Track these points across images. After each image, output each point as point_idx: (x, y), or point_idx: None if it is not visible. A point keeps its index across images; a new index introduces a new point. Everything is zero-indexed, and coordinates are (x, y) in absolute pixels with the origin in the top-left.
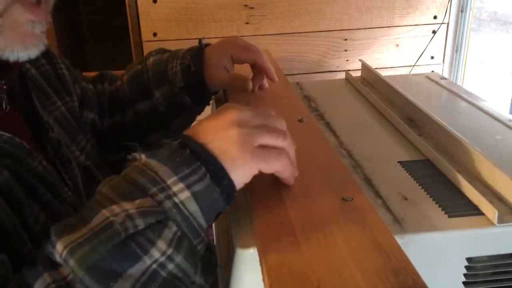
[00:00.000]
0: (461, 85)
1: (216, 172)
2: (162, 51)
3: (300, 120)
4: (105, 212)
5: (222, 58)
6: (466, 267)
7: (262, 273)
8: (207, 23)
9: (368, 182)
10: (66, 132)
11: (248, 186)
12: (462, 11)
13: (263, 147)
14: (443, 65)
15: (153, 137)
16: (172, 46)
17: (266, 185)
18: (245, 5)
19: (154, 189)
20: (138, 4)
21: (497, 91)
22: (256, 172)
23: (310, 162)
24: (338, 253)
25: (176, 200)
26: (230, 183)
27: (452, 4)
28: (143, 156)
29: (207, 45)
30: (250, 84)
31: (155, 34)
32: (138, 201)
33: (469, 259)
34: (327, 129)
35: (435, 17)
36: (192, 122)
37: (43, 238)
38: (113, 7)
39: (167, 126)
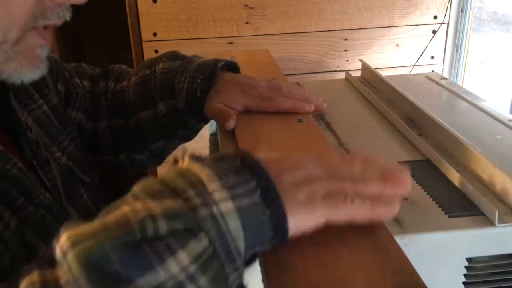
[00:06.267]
0: (461, 85)
1: (270, 192)
2: (174, 57)
3: (300, 120)
4: (124, 208)
5: (232, 101)
6: (466, 267)
7: (262, 274)
8: (207, 23)
9: None
10: (47, 132)
11: None
12: (462, 11)
13: (330, 193)
14: (443, 65)
15: (157, 144)
16: (172, 46)
17: None
18: (245, 5)
19: (191, 192)
20: (138, 4)
21: (497, 91)
22: (322, 222)
23: None
24: (337, 253)
25: (215, 210)
26: (281, 211)
27: (452, 4)
28: (186, 158)
29: (224, 65)
30: (230, 124)
31: (155, 34)
32: (166, 202)
33: (469, 259)
34: (327, 129)
35: (435, 17)
36: (196, 134)
37: (15, 244)
38: (113, 7)
39: (171, 136)
